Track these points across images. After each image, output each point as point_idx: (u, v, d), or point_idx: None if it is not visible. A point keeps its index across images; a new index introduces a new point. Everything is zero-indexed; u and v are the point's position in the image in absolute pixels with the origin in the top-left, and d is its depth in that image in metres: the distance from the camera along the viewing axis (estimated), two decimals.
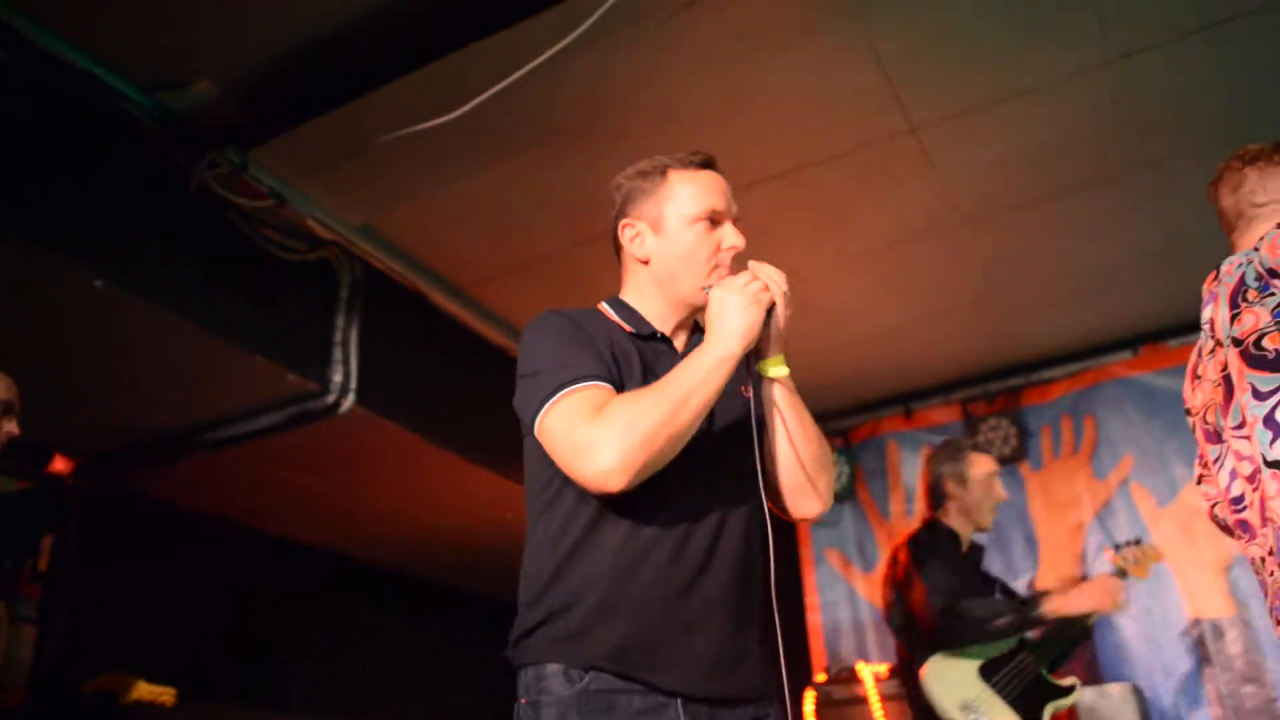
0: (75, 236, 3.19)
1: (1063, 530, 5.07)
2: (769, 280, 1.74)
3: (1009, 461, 5.24)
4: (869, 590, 5.57)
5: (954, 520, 3.58)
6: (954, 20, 3.17)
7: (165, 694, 3.76)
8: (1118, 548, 3.65)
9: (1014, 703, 3.22)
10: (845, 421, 5.86)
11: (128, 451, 4.43)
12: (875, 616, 5.51)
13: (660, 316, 1.87)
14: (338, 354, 4.01)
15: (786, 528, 5.89)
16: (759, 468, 1.74)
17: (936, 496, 3.63)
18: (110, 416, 4.19)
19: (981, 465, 3.61)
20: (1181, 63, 3.33)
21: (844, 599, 5.62)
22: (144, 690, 3.72)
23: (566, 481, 1.67)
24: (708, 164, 1.90)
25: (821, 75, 3.36)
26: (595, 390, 1.64)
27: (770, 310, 1.73)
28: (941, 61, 3.32)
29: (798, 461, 1.78)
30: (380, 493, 4.94)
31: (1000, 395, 5.42)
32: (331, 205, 3.85)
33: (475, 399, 4.68)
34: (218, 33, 3.09)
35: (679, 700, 1.59)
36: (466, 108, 3.17)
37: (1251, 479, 2.12)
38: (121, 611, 4.43)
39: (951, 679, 3.27)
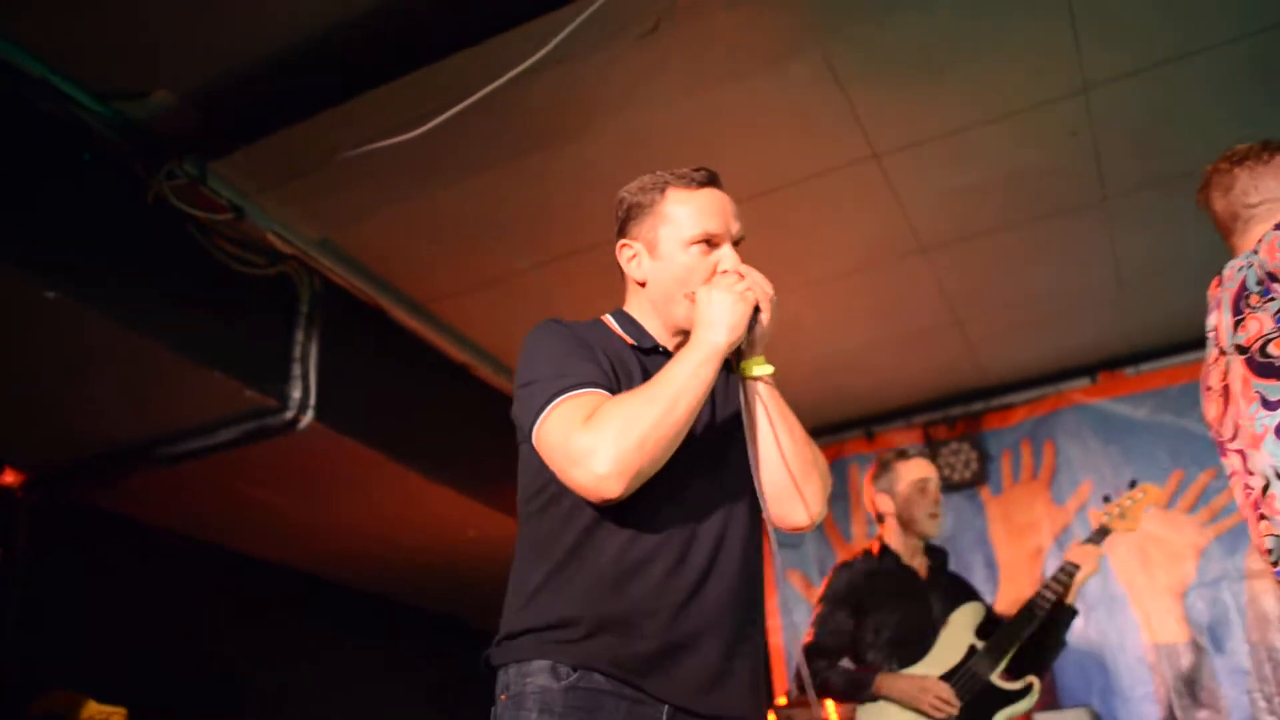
0: (26, 246, 3.14)
1: (1022, 554, 5.09)
2: (755, 282, 1.72)
3: (970, 485, 5.27)
4: None
5: (893, 539, 3.47)
6: (918, 47, 3.19)
7: (116, 714, 3.69)
8: (1107, 499, 3.46)
9: (961, 715, 3.10)
10: None
11: (81, 465, 4.36)
12: None
13: (661, 334, 1.85)
14: (296, 369, 3.97)
15: None
16: (750, 472, 1.71)
17: (878, 517, 3.54)
18: (63, 429, 4.12)
19: (910, 471, 3.46)
20: (1152, 91, 3.37)
21: (806, 621, 5.60)
22: (94, 710, 3.64)
23: (562, 488, 1.64)
24: (708, 182, 1.85)
25: (784, 101, 3.38)
26: (591, 396, 1.61)
27: (755, 311, 1.70)
28: (905, 89, 3.34)
29: (784, 465, 1.73)
30: (339, 509, 4.89)
31: (961, 420, 5.45)
32: (291, 219, 3.82)
33: (435, 416, 4.65)
34: (177, 42, 3.06)
35: (666, 708, 1.59)
36: (428, 126, 3.16)
37: (1245, 490, 2.06)
38: (71, 628, 4.35)
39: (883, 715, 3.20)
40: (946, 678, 3.18)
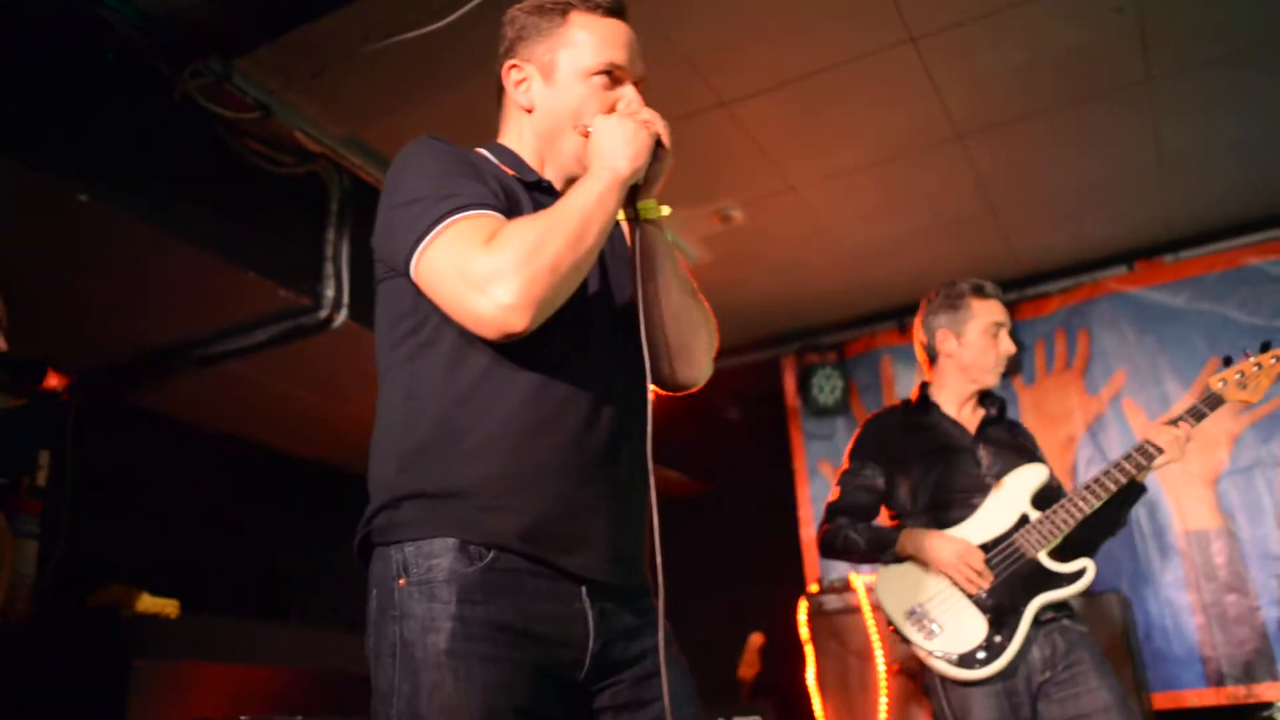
0: (56, 150, 3.13)
1: (1054, 444, 5.10)
2: (653, 116, 1.57)
3: (1003, 374, 5.25)
4: None
5: (942, 387, 3.07)
6: None
7: (168, 606, 3.80)
8: (1229, 361, 2.83)
9: (995, 590, 2.76)
10: (840, 335, 5.86)
11: (122, 367, 4.43)
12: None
13: (540, 168, 1.68)
14: (329, 268, 3.98)
15: (782, 438, 5.95)
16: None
17: (930, 354, 3.12)
18: (103, 332, 4.17)
19: (985, 312, 3.03)
20: None
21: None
22: (147, 603, 3.75)
23: (444, 326, 1.47)
24: (615, 11, 1.67)
25: None
26: (488, 219, 1.43)
27: (657, 145, 1.56)
28: None
29: (673, 316, 1.61)
30: (373, 406, 4.94)
31: None
32: (318, 117, 3.78)
33: None
34: None
35: (584, 587, 1.46)
36: (455, 15, 3.10)
37: None
38: (120, 525, 4.47)
39: (900, 583, 2.89)
40: (987, 548, 2.81)
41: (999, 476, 2.93)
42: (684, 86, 3.72)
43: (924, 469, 2.97)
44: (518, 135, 1.70)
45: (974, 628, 2.77)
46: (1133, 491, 2.83)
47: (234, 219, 3.68)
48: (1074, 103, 3.95)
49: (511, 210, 1.51)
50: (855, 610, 4.70)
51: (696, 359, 1.65)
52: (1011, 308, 5.34)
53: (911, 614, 2.83)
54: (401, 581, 1.40)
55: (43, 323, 3.84)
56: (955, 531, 2.86)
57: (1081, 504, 2.78)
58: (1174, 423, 2.78)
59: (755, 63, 3.64)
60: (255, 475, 5.31)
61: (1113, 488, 2.76)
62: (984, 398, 3.07)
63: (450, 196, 1.44)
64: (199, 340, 4.20)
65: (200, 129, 3.55)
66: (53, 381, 4.38)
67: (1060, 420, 5.16)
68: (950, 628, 2.78)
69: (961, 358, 3.02)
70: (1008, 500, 2.88)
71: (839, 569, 5.42)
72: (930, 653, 2.78)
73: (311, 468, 5.63)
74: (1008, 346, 3.03)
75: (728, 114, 3.89)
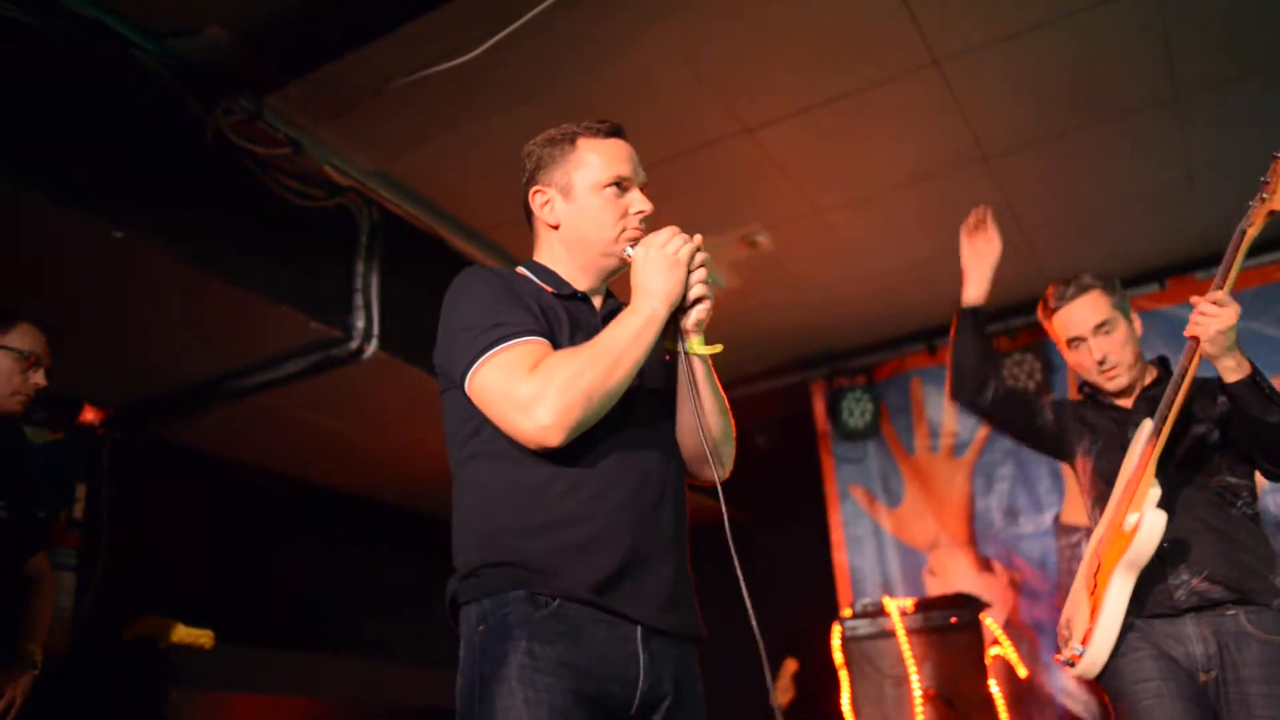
0: (91, 187, 3.19)
1: None
2: (687, 240, 1.77)
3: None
4: (894, 526, 5.58)
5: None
6: None
7: (204, 636, 3.83)
8: None
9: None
10: (869, 358, 5.84)
11: (156, 401, 4.49)
12: (901, 551, 5.54)
13: (574, 280, 1.91)
14: (359, 300, 4.02)
15: (812, 462, 5.92)
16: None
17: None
18: (137, 367, 4.23)
19: (1060, 331, 2.82)
20: None
21: (869, 534, 5.65)
22: (183, 633, 3.78)
23: (495, 432, 1.71)
24: (615, 132, 1.93)
25: (840, 6, 3.29)
26: (532, 346, 1.68)
27: (689, 273, 1.75)
28: None
29: (704, 434, 1.80)
30: (404, 436, 4.97)
31: (1023, 330, 5.37)
32: (347, 151, 3.83)
33: None
34: None
35: (639, 629, 1.67)
36: (480, 49, 3.14)
37: None
38: (155, 557, 4.51)
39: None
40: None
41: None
42: (708, 113, 3.74)
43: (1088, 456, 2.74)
44: (549, 251, 1.94)
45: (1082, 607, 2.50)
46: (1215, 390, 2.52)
47: (265, 253, 3.73)
48: (1102, 121, 3.94)
49: (551, 327, 1.76)
50: (889, 635, 4.66)
51: (725, 464, 1.88)
52: (1040, 328, 5.36)
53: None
54: (481, 629, 1.65)
55: (78, 358, 3.89)
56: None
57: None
58: None
59: (779, 88, 3.65)
60: (287, 506, 5.35)
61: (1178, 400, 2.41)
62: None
63: (499, 325, 1.69)
64: (231, 373, 4.25)
65: (232, 165, 3.61)
66: (89, 416, 4.45)
67: None
68: (1071, 603, 2.55)
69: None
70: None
71: (871, 594, 5.37)
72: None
73: (343, 499, 5.67)
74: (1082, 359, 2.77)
75: (752, 140, 3.91)
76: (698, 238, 1.78)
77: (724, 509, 1.75)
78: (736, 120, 3.80)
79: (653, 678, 1.67)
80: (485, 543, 1.71)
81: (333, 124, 3.67)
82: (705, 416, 1.81)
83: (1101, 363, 2.69)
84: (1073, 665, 2.47)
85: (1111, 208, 4.56)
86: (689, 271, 1.75)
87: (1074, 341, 2.76)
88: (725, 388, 1.92)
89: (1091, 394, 2.80)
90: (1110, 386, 2.71)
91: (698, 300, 1.77)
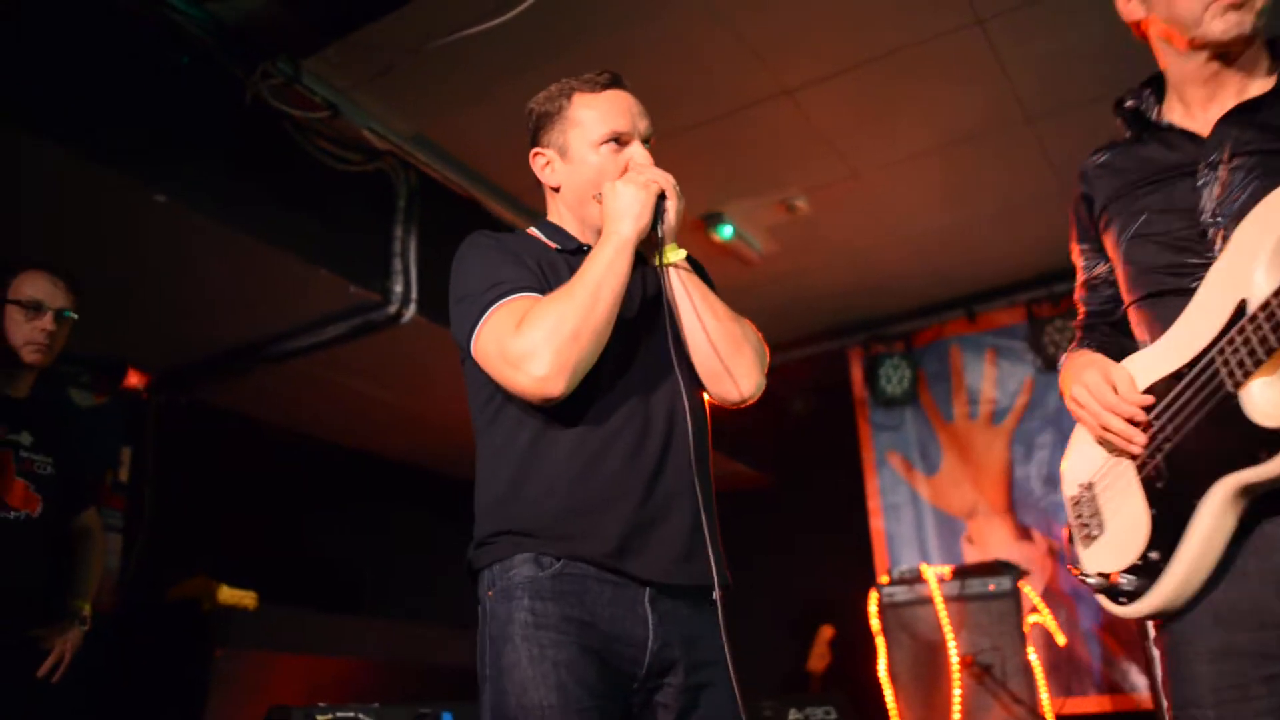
0: (134, 152, 3.21)
1: None
2: (657, 175, 1.75)
3: None
4: (932, 493, 5.56)
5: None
6: None
7: (247, 598, 3.89)
8: None
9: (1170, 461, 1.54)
10: (907, 325, 5.79)
11: (198, 365, 4.54)
12: (938, 519, 5.51)
13: (583, 235, 1.88)
14: (397, 264, 4.03)
15: (849, 429, 5.90)
16: (678, 355, 1.75)
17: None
18: (181, 332, 4.28)
19: None
20: None
21: (906, 502, 5.62)
22: (226, 594, 3.85)
23: (508, 395, 1.70)
24: (612, 83, 1.87)
25: None
26: (519, 301, 1.67)
27: (661, 199, 1.74)
28: None
29: (709, 343, 1.77)
30: (441, 400, 5.00)
31: (1065, 296, 5.29)
32: (385, 115, 3.83)
33: None
34: None
35: (647, 590, 1.65)
36: (518, 9, 3.11)
37: None
38: (199, 519, 4.59)
39: (1074, 456, 1.80)
40: (1174, 377, 1.55)
41: (1225, 223, 1.61)
42: (747, 76, 3.69)
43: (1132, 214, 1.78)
44: (556, 211, 1.92)
45: (1136, 528, 1.62)
46: None
47: (304, 217, 3.74)
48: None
49: (551, 281, 1.74)
50: (927, 601, 4.65)
51: (740, 377, 1.80)
52: None
53: (1078, 503, 1.78)
54: (490, 593, 1.66)
55: (121, 322, 3.95)
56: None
57: None
58: None
59: (818, 49, 3.60)
60: (327, 470, 5.41)
61: None
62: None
63: (493, 286, 1.69)
64: (272, 337, 4.29)
65: (271, 129, 3.62)
66: (133, 380, 4.51)
67: None
68: (1112, 527, 1.69)
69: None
70: (1227, 274, 1.53)
71: (908, 561, 5.36)
72: (1082, 574, 1.74)
73: (382, 463, 5.72)
74: None
75: (791, 102, 3.86)
76: (669, 176, 1.76)
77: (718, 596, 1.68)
78: (776, 82, 3.75)
79: (661, 640, 1.64)
80: (495, 509, 1.71)
81: (370, 87, 3.67)
82: (704, 328, 1.77)
83: None
84: None
85: None
86: (658, 199, 1.73)
87: None
88: None
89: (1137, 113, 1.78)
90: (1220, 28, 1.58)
91: (662, 212, 1.74)
